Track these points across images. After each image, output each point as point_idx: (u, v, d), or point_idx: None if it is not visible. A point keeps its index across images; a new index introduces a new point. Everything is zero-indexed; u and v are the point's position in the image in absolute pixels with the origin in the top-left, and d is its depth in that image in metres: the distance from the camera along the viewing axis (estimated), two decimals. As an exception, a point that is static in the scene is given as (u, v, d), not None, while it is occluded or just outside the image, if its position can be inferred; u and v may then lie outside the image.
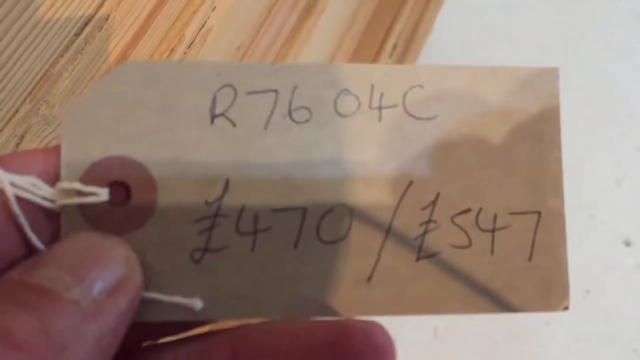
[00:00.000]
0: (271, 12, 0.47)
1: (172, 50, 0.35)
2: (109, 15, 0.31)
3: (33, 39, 0.28)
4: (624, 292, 0.77)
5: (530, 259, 0.19)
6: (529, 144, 0.19)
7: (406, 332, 0.60)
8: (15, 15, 0.27)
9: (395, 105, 0.19)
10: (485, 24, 1.01)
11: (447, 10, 0.91)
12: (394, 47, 0.71)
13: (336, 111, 0.19)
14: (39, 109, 0.28)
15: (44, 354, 0.14)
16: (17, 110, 0.28)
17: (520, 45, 0.97)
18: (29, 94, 0.28)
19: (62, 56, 0.29)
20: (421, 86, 0.19)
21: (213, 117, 0.18)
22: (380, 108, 0.19)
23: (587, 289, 0.77)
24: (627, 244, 0.80)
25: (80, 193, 0.18)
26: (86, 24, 0.30)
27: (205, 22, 0.37)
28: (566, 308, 0.19)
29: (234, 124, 0.18)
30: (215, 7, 0.38)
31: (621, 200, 0.83)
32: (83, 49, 0.30)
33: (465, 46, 0.91)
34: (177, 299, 0.18)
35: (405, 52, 0.73)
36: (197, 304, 0.18)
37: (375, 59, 0.63)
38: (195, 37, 0.36)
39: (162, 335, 0.20)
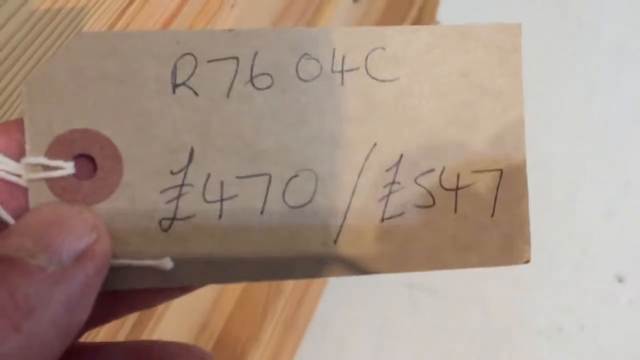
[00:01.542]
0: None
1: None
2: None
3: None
4: (618, 328, 0.76)
5: (492, 215, 0.19)
6: (490, 100, 0.19)
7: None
8: None
9: (357, 68, 0.19)
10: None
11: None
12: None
13: (298, 76, 0.19)
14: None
15: (10, 316, 0.15)
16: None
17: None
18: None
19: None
20: (383, 48, 0.19)
21: (175, 86, 0.18)
22: (342, 71, 0.19)
23: (581, 325, 0.76)
24: (620, 279, 0.79)
25: (46, 167, 0.18)
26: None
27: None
28: (527, 261, 0.19)
29: (196, 93, 0.18)
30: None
31: (612, 235, 0.83)
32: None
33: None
34: (147, 261, 0.18)
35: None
36: (167, 263, 0.18)
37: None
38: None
39: (135, 308, 0.20)
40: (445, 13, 0.92)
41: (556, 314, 0.77)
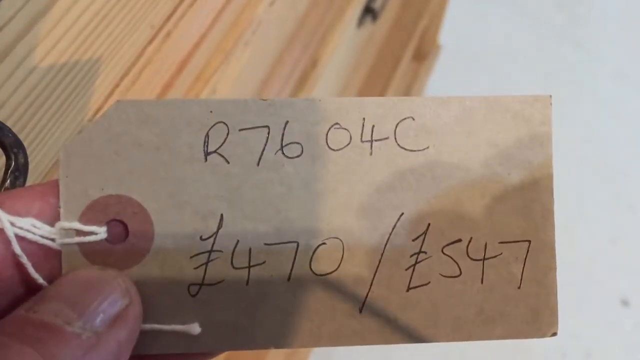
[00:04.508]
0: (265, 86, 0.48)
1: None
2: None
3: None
4: (625, 353, 0.76)
5: (519, 286, 0.20)
6: (520, 172, 0.20)
7: None
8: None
9: (386, 138, 0.19)
10: (473, 87, 1.03)
11: (438, 73, 0.93)
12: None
13: (327, 145, 0.19)
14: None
15: None
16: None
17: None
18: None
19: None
20: (412, 118, 0.19)
21: (207, 154, 0.19)
22: (371, 141, 0.19)
23: (588, 352, 0.76)
24: (625, 303, 0.80)
25: (79, 232, 0.18)
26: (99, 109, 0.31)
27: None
28: (555, 334, 0.19)
29: (227, 161, 0.19)
30: (215, 92, 0.39)
31: (617, 258, 0.83)
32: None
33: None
34: (176, 326, 0.18)
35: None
36: (195, 329, 0.19)
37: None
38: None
39: None
40: (448, 37, 0.93)
41: (560, 339, 0.78)
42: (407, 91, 0.81)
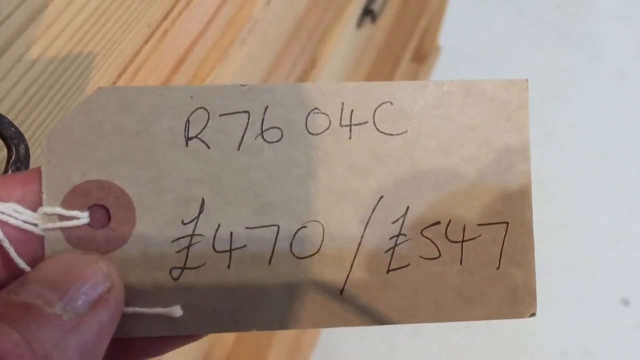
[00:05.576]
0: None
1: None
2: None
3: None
4: (625, 352, 0.76)
5: (498, 267, 0.20)
6: (497, 155, 0.20)
7: None
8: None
9: (365, 122, 0.20)
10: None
11: (438, 74, 0.93)
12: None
13: (307, 130, 0.19)
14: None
15: None
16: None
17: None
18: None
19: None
20: (390, 102, 0.20)
21: (187, 139, 0.19)
22: (350, 125, 0.20)
23: (587, 349, 0.76)
24: (625, 303, 0.79)
25: (62, 217, 0.19)
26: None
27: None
28: (533, 314, 0.20)
29: (208, 146, 0.19)
30: None
31: (617, 259, 0.83)
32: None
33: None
34: (158, 309, 0.19)
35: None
36: (177, 311, 0.19)
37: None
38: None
39: (145, 355, 0.20)
40: (447, 38, 0.93)
41: (561, 338, 0.77)
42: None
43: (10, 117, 0.25)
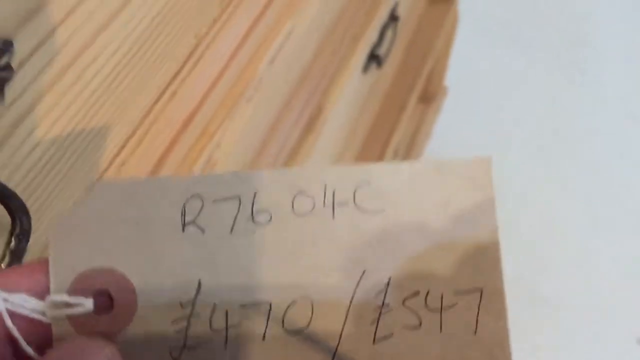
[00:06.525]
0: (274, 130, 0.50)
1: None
2: (124, 162, 0.34)
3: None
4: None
5: (475, 332, 0.21)
6: (468, 228, 0.21)
7: None
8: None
9: (346, 202, 0.21)
10: (481, 127, 1.04)
11: (445, 115, 0.94)
12: (395, 153, 0.74)
13: (294, 212, 0.21)
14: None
15: None
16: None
17: (521, 147, 0.99)
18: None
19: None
20: (368, 183, 0.21)
21: (184, 225, 0.21)
22: (333, 206, 0.21)
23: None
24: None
25: (67, 304, 0.20)
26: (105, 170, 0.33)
27: (210, 157, 0.41)
28: None
29: (202, 230, 0.21)
30: (219, 146, 0.41)
31: (632, 297, 0.82)
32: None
33: (465, 148, 0.94)
34: None
35: (406, 159, 0.76)
36: None
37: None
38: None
39: None
40: (453, 79, 0.94)
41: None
42: (415, 134, 0.82)
43: (19, 190, 0.27)
